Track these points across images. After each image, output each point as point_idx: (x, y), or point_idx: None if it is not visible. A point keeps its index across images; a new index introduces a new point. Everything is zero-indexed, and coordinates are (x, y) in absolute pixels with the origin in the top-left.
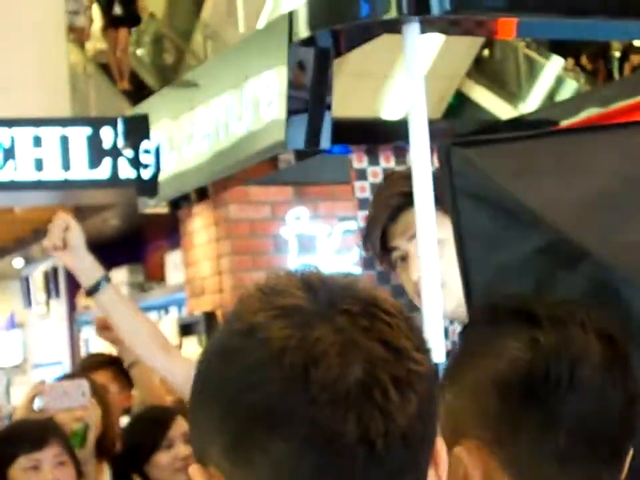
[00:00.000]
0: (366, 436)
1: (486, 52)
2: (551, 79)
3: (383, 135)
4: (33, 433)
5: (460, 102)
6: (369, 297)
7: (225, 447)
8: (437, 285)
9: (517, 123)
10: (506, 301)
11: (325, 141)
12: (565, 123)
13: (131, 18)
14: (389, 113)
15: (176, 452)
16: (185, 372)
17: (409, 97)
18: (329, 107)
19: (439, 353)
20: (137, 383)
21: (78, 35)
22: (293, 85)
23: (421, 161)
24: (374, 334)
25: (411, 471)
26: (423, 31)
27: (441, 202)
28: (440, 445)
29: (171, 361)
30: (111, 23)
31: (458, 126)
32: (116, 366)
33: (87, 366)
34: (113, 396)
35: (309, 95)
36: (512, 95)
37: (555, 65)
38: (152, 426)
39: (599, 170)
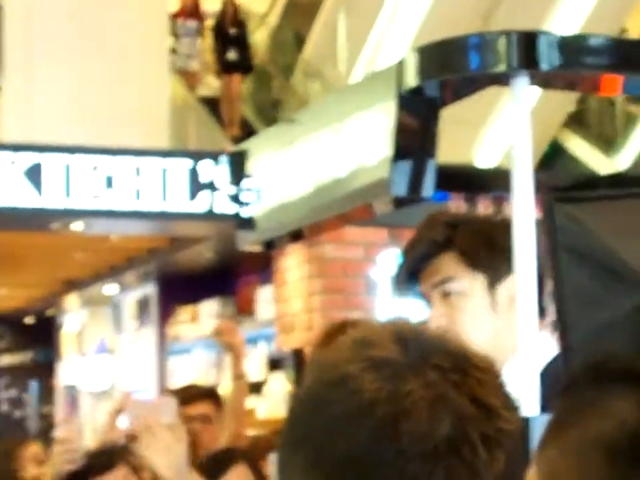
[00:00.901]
0: None
1: (583, 103)
2: None
3: (480, 184)
4: (102, 455)
5: (555, 152)
6: (460, 352)
7: None
8: (533, 339)
9: (617, 178)
10: (612, 359)
11: (428, 189)
12: None
13: (245, 64)
14: (482, 161)
15: None
16: None
17: (514, 149)
18: (433, 155)
19: (534, 406)
20: (227, 401)
21: (189, 79)
22: (399, 131)
23: (524, 213)
24: (464, 390)
25: None
26: (531, 84)
27: (466, 252)
28: None
29: None
30: (225, 69)
31: (556, 178)
32: (215, 398)
33: (185, 397)
34: (212, 428)
35: (415, 142)
36: (608, 147)
37: None
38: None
39: None
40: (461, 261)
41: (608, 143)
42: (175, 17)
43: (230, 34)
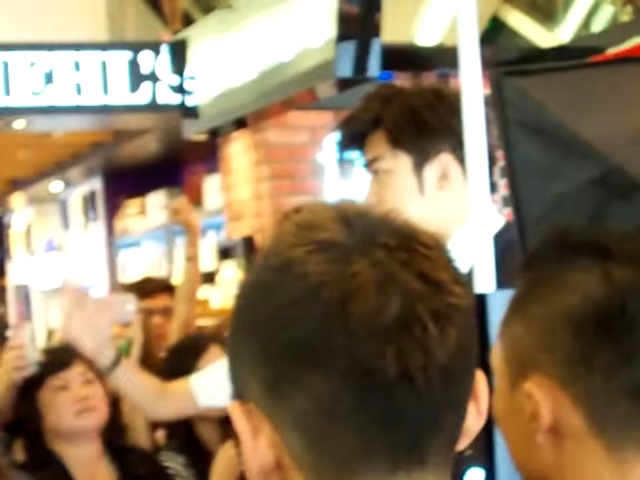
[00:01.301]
0: (405, 371)
1: None
2: (588, 3)
3: (425, 61)
4: (58, 354)
5: (495, 26)
6: (407, 230)
7: (264, 383)
8: (485, 212)
9: (562, 51)
10: (574, 233)
11: (373, 69)
12: (611, 51)
13: None
14: (424, 37)
15: None
16: (182, 403)
17: (459, 25)
18: (378, 35)
19: (489, 283)
20: (179, 284)
21: None
22: (342, 12)
23: (472, 90)
24: (412, 267)
25: (451, 406)
26: None
27: (391, 131)
28: (480, 379)
29: (169, 405)
30: None
31: (500, 53)
32: (172, 291)
33: (145, 290)
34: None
35: (359, 22)
36: (548, 20)
37: None
38: (187, 355)
39: None
40: (388, 139)
41: (548, 16)
42: None
43: None
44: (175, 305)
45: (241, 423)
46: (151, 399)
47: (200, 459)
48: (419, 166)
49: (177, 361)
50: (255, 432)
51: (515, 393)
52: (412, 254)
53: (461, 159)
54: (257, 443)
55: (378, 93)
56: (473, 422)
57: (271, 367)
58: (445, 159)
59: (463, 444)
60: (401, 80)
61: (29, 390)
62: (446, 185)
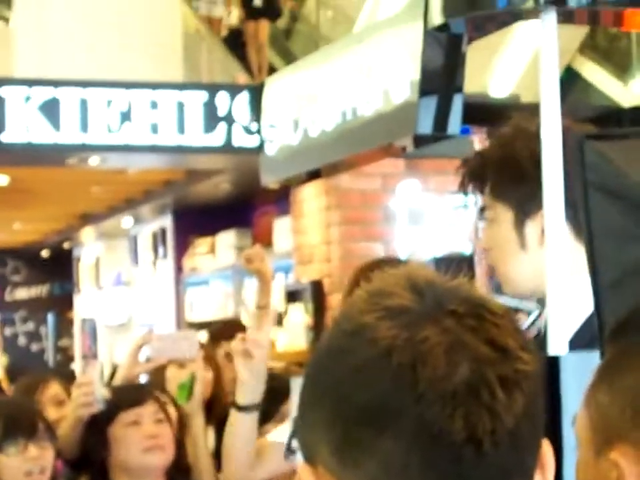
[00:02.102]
0: (473, 435)
1: (597, 29)
2: None
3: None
4: (132, 391)
5: (570, 78)
6: (475, 298)
7: (334, 447)
8: (563, 274)
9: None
10: None
11: (454, 126)
12: None
13: (272, 10)
14: (496, 89)
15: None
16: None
17: (542, 84)
18: (460, 91)
19: (562, 345)
20: (251, 328)
21: (214, 26)
22: (425, 68)
23: (552, 144)
24: (481, 334)
25: (517, 472)
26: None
27: (493, 183)
28: (547, 448)
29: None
30: (250, 15)
31: (575, 109)
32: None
33: (227, 334)
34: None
35: (441, 79)
36: (623, 72)
37: None
38: (267, 397)
39: None
40: (491, 191)
41: (623, 68)
42: None
43: None
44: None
45: None
46: (250, 457)
47: None
48: (520, 221)
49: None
50: None
51: (599, 462)
52: (480, 321)
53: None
54: None
55: (498, 135)
56: None
57: (341, 430)
58: (542, 217)
59: None
60: (478, 133)
61: (100, 423)
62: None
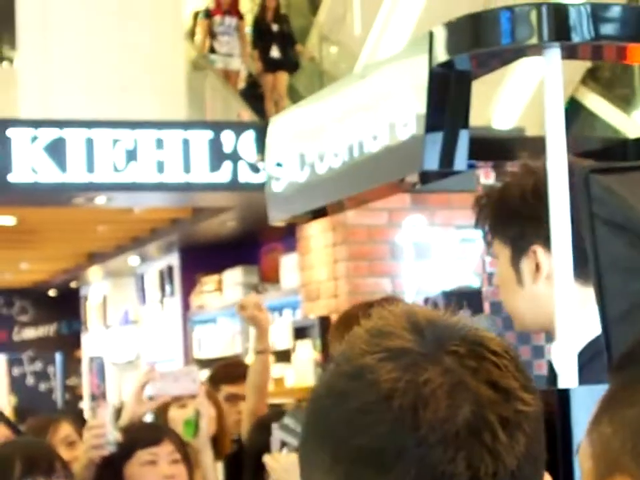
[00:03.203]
0: (475, 477)
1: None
2: None
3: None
4: (149, 430)
5: (573, 109)
6: (476, 337)
7: None
8: (571, 308)
9: None
10: None
11: (461, 162)
12: None
13: (290, 62)
14: (499, 121)
15: None
16: None
17: (547, 119)
18: (466, 127)
19: (571, 379)
20: (250, 373)
21: (231, 79)
22: (431, 105)
23: (559, 177)
24: (481, 375)
25: None
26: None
27: (490, 222)
28: None
29: None
30: (268, 67)
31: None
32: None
33: (231, 375)
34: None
35: (447, 116)
36: (626, 103)
37: None
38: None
39: None
40: (490, 229)
41: (626, 99)
42: (211, 14)
43: (273, 30)
44: (246, 394)
45: None
46: None
47: None
48: (516, 258)
49: (265, 437)
50: None
51: None
52: (481, 361)
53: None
54: None
55: (511, 174)
56: None
57: (343, 473)
58: (537, 252)
59: None
60: (483, 168)
61: (116, 461)
62: (539, 277)
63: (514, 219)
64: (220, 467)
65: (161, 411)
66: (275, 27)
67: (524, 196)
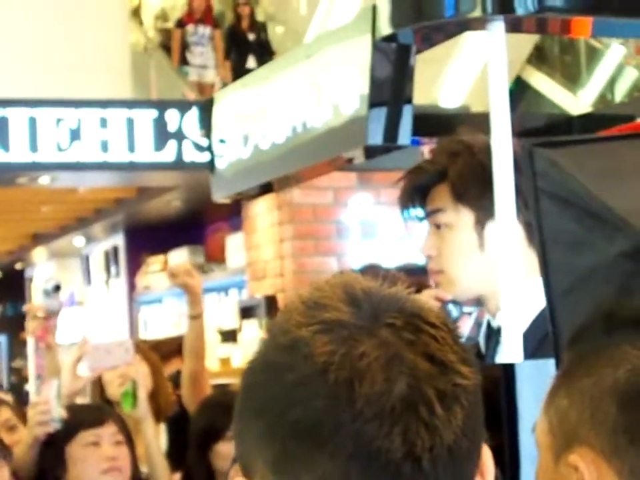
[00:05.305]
0: (412, 452)
1: (546, 39)
2: (612, 66)
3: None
4: (92, 411)
5: (519, 88)
6: (414, 309)
7: (271, 462)
8: (516, 284)
9: (589, 119)
10: (623, 308)
11: (405, 137)
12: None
13: None
14: (446, 99)
15: None
16: None
17: (491, 93)
18: (410, 102)
19: (517, 353)
20: (187, 338)
21: (205, 92)
22: (374, 80)
23: (503, 154)
24: (419, 347)
25: None
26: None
27: (455, 185)
28: (486, 454)
29: None
30: None
31: (526, 119)
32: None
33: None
34: None
35: (391, 90)
36: (572, 82)
37: (615, 52)
38: (221, 413)
39: None
40: (451, 193)
41: (572, 78)
42: (184, 22)
43: (249, 40)
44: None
45: None
46: None
47: None
48: (481, 223)
49: (210, 417)
50: None
51: (559, 466)
52: (418, 334)
53: (523, 219)
54: None
55: (445, 146)
56: None
57: (278, 446)
58: None
59: None
60: (429, 145)
61: (58, 442)
62: None
63: (487, 183)
64: (162, 428)
65: (96, 385)
66: (251, 37)
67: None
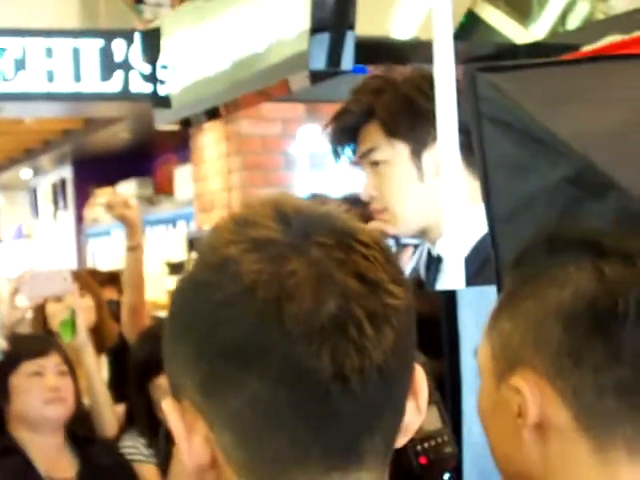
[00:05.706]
0: (340, 372)
1: None
2: (563, 0)
3: (398, 55)
4: (35, 342)
5: (470, 22)
6: (345, 228)
7: (199, 383)
8: (459, 210)
9: (536, 47)
10: (566, 230)
11: (347, 62)
12: (585, 49)
13: None
14: (399, 31)
15: None
16: None
17: (434, 19)
18: (352, 28)
19: (459, 279)
20: (125, 270)
21: None
22: (316, 2)
23: (446, 84)
24: (349, 267)
25: (388, 406)
26: None
27: (385, 121)
28: (419, 374)
29: None
30: None
31: (473, 48)
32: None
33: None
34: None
35: (334, 15)
36: (523, 16)
37: None
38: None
39: (630, 100)
40: (382, 130)
41: (523, 12)
42: None
43: None
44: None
45: (174, 421)
46: None
47: (163, 439)
48: (416, 154)
49: (149, 349)
50: (189, 430)
51: (501, 389)
52: (349, 253)
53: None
54: (191, 441)
55: (368, 84)
56: (412, 418)
57: (206, 366)
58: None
59: (401, 441)
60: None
61: (1, 372)
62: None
63: (416, 113)
64: (104, 360)
65: (38, 317)
66: None
67: (423, 91)
